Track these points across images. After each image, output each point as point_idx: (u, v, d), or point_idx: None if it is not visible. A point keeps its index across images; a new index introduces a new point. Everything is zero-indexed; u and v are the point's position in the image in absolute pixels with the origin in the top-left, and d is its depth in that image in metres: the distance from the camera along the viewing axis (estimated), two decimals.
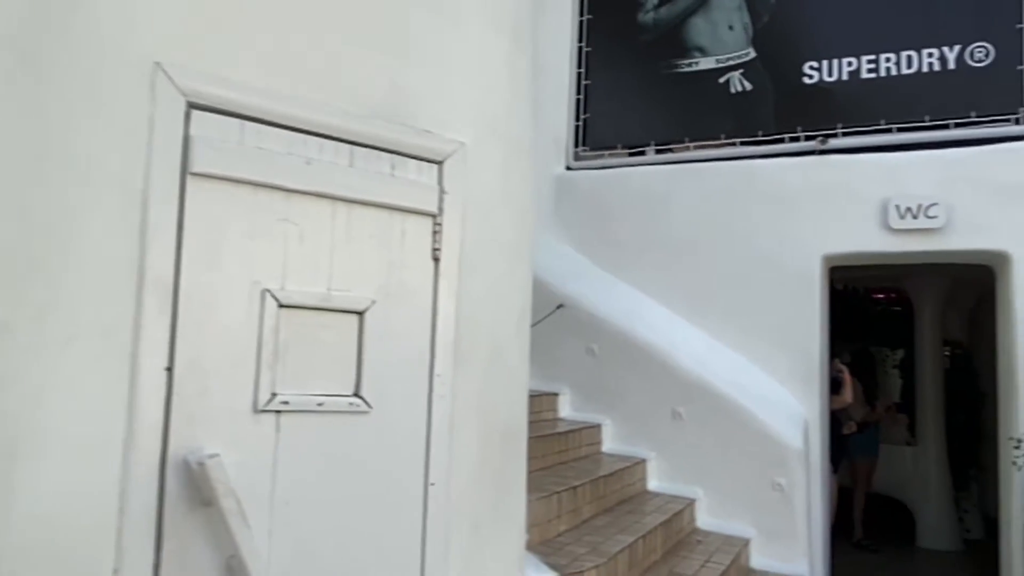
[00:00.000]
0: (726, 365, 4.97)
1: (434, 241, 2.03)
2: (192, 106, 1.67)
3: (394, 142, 1.97)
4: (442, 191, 2.05)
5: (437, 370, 2.01)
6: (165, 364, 1.62)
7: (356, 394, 1.87)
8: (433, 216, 2.04)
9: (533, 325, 5.14)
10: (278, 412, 1.75)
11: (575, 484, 3.68)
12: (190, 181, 1.66)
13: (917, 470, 7.35)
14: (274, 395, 1.74)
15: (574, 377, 5.24)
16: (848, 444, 6.75)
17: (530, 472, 3.96)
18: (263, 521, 1.72)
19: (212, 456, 1.61)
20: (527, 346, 2.57)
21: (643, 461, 4.73)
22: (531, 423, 4.70)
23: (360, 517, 1.86)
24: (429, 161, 2.05)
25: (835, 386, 5.90)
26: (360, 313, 1.88)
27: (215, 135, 1.69)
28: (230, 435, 1.69)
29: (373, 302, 1.90)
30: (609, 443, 4.98)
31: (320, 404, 1.80)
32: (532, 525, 3.23)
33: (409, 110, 2.00)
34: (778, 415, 4.70)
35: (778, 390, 4.89)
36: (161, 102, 1.63)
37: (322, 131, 1.83)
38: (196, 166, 1.65)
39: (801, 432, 4.67)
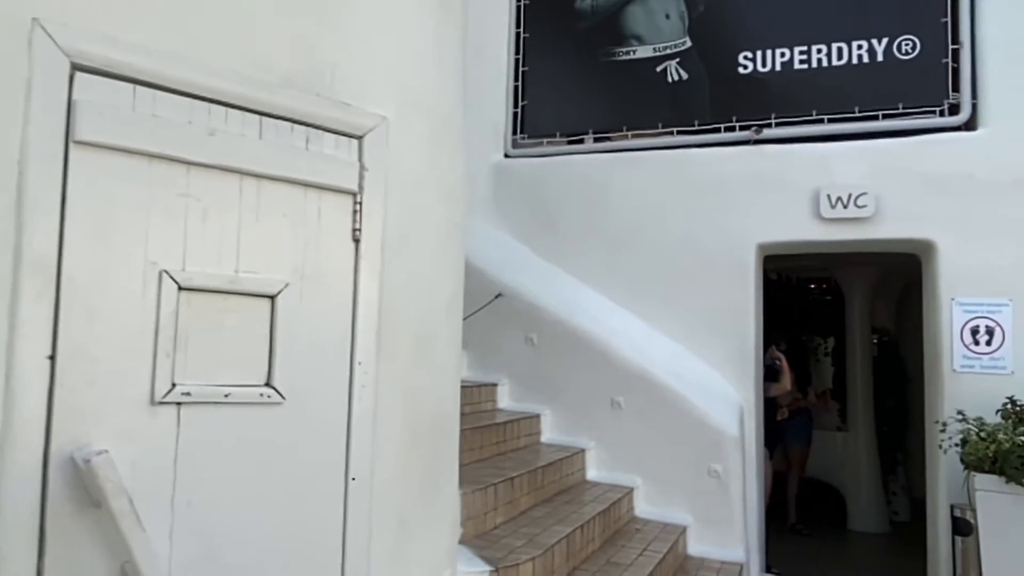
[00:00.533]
0: (664, 353, 4.97)
1: (354, 221, 1.91)
2: (76, 68, 1.51)
3: (309, 114, 1.84)
4: (362, 167, 1.93)
5: (358, 358, 1.89)
6: (47, 352, 1.47)
7: (268, 384, 1.74)
8: (353, 194, 1.92)
9: (471, 315, 5.09)
10: (179, 404, 1.61)
11: (512, 475, 3.60)
12: (75, 150, 1.50)
13: (848, 455, 7.55)
14: (174, 386, 1.60)
15: (513, 367, 5.17)
16: (782, 430, 6.89)
17: (467, 464, 3.88)
18: (163, 523, 1.58)
19: (100, 452, 1.46)
20: (459, 334, 2.47)
21: (582, 451, 4.69)
22: (469, 414, 4.62)
23: (274, 515, 1.74)
24: (348, 136, 1.92)
25: (770, 374, 6.00)
26: (272, 297, 1.75)
27: (103, 100, 1.53)
28: (124, 429, 1.54)
29: (286, 285, 1.77)
30: (548, 433, 4.93)
31: (227, 395, 1.66)
32: (467, 518, 3.14)
33: (326, 80, 1.88)
34: (714, 402, 4.72)
35: (714, 377, 4.92)
36: (40, 63, 1.47)
37: (227, 100, 1.69)
38: (81, 134, 1.50)
39: (737, 418, 4.70)
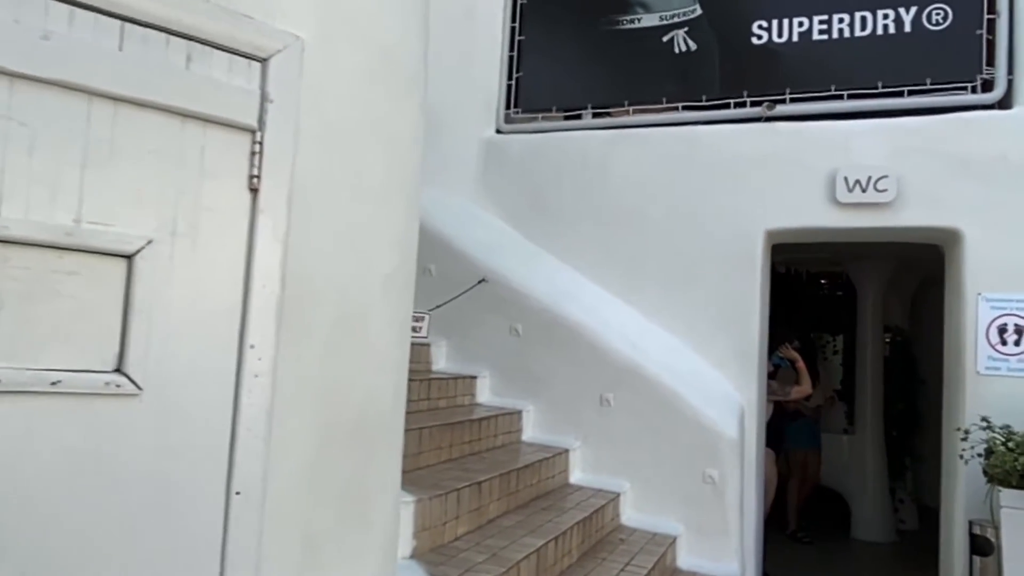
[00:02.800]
0: (660, 348, 4.56)
1: (252, 165, 1.50)
2: None
3: (191, 25, 1.43)
4: (265, 98, 1.52)
5: (250, 340, 1.48)
6: None
7: (118, 370, 1.34)
8: (252, 131, 1.51)
9: (449, 301, 4.68)
10: None
11: (481, 479, 3.21)
12: None
13: (854, 459, 7.14)
14: None
15: (495, 359, 4.77)
16: (784, 433, 6.48)
17: (432, 466, 3.49)
18: None
19: None
20: (403, 315, 2.07)
21: (566, 451, 4.29)
22: (444, 409, 4.22)
23: (121, 539, 1.34)
24: (247, 56, 1.51)
25: (778, 373, 5.58)
26: (128, 257, 1.35)
27: None
28: None
29: (149, 242, 1.36)
30: (531, 431, 4.53)
31: (56, 383, 1.26)
32: (423, 529, 2.75)
33: None
34: (713, 401, 4.31)
35: (714, 375, 4.51)
36: None
37: None
38: None
39: (736, 420, 4.29)
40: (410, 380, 3.93)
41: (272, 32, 1.54)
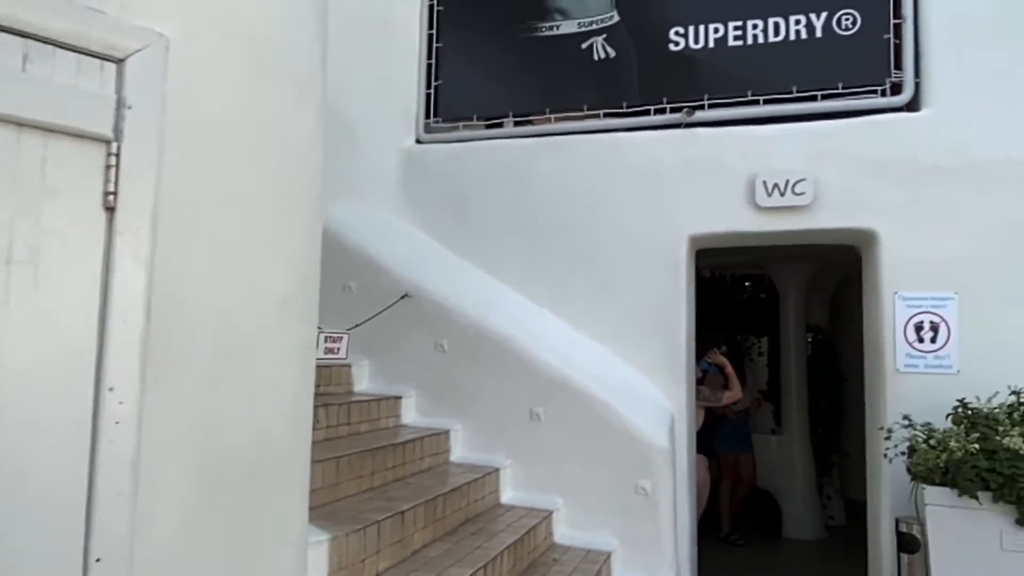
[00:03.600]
0: (589, 358, 4.48)
1: (107, 180, 1.31)
2: None
3: (28, 21, 1.23)
4: (122, 104, 1.33)
5: (109, 382, 1.28)
6: None
7: None
8: (106, 141, 1.31)
9: (369, 319, 4.48)
10: None
11: (404, 508, 3.02)
12: None
13: (783, 459, 7.25)
14: None
15: (421, 377, 4.59)
16: (714, 437, 6.52)
17: (351, 496, 3.28)
18: None
19: None
20: (304, 339, 1.89)
21: (496, 470, 4.14)
22: (365, 433, 4.01)
23: None
24: (99, 57, 1.32)
25: (707, 379, 5.59)
26: None
27: None
28: None
29: None
30: (459, 451, 4.37)
31: None
32: (339, 569, 2.55)
33: None
34: (643, 411, 4.25)
35: (643, 383, 4.45)
36: None
37: None
38: None
39: (667, 428, 4.24)
40: (328, 404, 3.74)
41: (129, 29, 1.35)
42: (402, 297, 4.58)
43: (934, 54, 4.23)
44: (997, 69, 4.10)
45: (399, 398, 4.40)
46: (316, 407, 3.61)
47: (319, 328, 4.00)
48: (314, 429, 3.55)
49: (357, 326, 4.30)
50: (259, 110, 1.65)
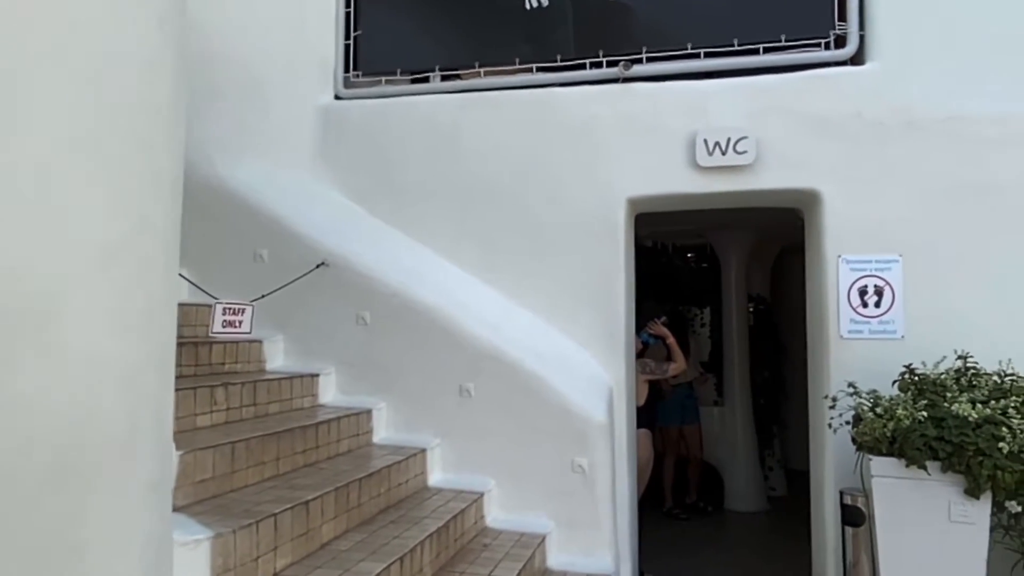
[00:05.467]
0: (522, 329, 4.18)
1: None
2: None
3: None
4: None
5: None
6: None
7: None
8: None
9: (278, 289, 4.07)
10: None
11: (310, 497, 2.68)
12: None
13: (725, 431, 7.16)
14: None
15: (341, 352, 4.22)
16: (656, 410, 6.34)
17: (250, 486, 2.89)
18: None
19: None
20: (149, 300, 1.52)
21: (423, 451, 3.82)
22: (275, 415, 3.60)
23: None
24: None
25: (645, 351, 5.37)
26: None
27: None
28: None
29: None
30: (383, 431, 4.03)
31: None
32: (226, 571, 2.20)
33: None
34: (580, 384, 3.99)
35: (580, 355, 4.18)
36: None
37: None
38: None
39: (605, 403, 3.99)
40: (230, 384, 3.35)
41: None
42: (318, 265, 4.19)
43: (878, 6, 4.03)
44: (943, 22, 3.93)
45: (316, 376, 4.02)
46: (215, 387, 3.24)
47: (215, 299, 3.60)
48: (211, 411, 3.18)
49: (263, 296, 3.89)
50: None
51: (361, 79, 4.91)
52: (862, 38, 4.05)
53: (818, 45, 4.12)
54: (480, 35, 4.77)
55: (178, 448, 2.42)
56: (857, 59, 4.07)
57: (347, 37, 4.93)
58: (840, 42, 4.10)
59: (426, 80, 4.84)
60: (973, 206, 3.83)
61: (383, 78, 4.88)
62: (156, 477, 1.58)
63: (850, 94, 3.99)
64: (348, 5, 4.95)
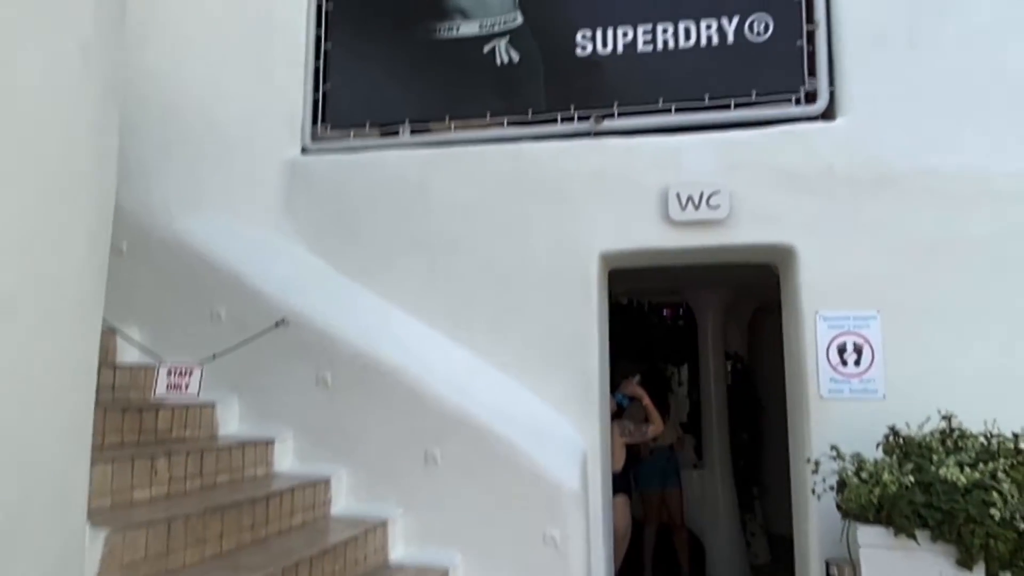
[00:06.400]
0: (491, 390, 3.99)
1: None
2: None
3: None
4: None
5: None
6: None
7: None
8: None
9: (231, 349, 3.84)
10: None
11: None
12: None
13: (706, 495, 6.91)
14: None
15: (300, 416, 3.98)
16: (635, 475, 6.12)
17: (188, 567, 2.64)
18: None
19: None
20: (31, 365, 1.33)
21: (384, 523, 3.57)
22: (223, 485, 3.32)
23: None
24: None
25: (621, 412, 5.17)
26: None
27: None
28: None
29: None
30: (343, 502, 3.77)
31: None
32: None
33: None
34: (552, 449, 3.78)
35: (552, 417, 3.99)
36: None
37: None
38: None
39: (579, 468, 3.78)
40: (173, 453, 3.10)
41: None
42: (277, 323, 3.99)
43: (848, 62, 4.04)
44: (911, 78, 3.93)
45: (271, 442, 3.77)
46: (156, 457, 2.99)
47: (156, 358, 3.39)
48: (150, 484, 2.93)
49: (215, 357, 3.67)
50: None
51: (330, 133, 4.81)
52: (832, 94, 4.05)
53: (789, 100, 4.11)
54: (451, 89, 4.71)
55: (103, 526, 2.18)
56: (828, 114, 4.05)
57: (316, 90, 4.84)
58: (811, 98, 4.09)
59: (396, 134, 4.76)
60: (949, 261, 3.77)
61: (352, 132, 4.79)
62: (57, 560, 1.37)
63: (822, 149, 3.96)
64: (318, 58, 4.88)
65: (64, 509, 1.46)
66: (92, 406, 1.66)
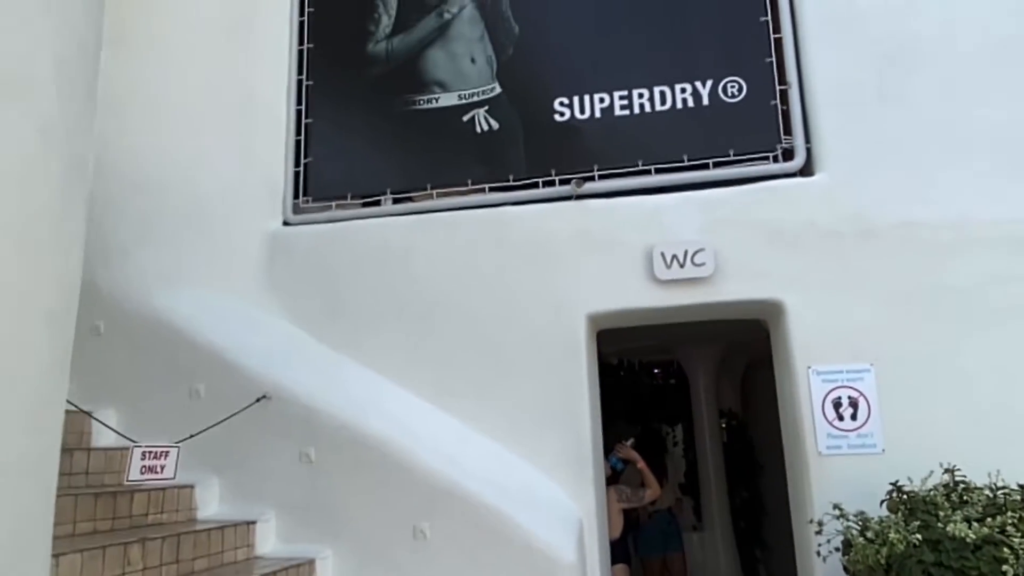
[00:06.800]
0: (481, 458, 3.87)
1: None
2: None
3: None
4: None
5: None
6: None
7: None
8: None
9: (206, 429, 3.68)
10: None
11: None
12: None
13: (707, 558, 6.70)
14: None
15: (283, 495, 3.83)
16: (635, 540, 5.93)
17: None
18: None
19: None
20: None
21: None
22: (201, 572, 3.19)
23: None
24: None
25: (612, 478, 5.03)
26: None
27: None
28: None
29: None
30: None
31: None
32: None
33: None
34: (546, 518, 3.64)
35: (545, 484, 3.87)
36: None
37: None
38: None
39: (575, 537, 3.64)
40: (148, 539, 2.94)
41: None
42: (258, 399, 3.88)
43: (822, 119, 4.10)
44: (885, 131, 4.00)
45: (252, 523, 3.61)
46: (130, 543, 2.85)
47: (131, 441, 3.26)
48: (123, 573, 2.77)
49: (192, 436, 3.55)
50: None
51: (311, 204, 4.81)
52: (808, 150, 4.10)
53: (767, 158, 4.16)
54: (432, 158, 4.74)
55: None
56: (806, 170, 4.10)
57: (296, 164, 4.86)
58: (788, 155, 4.14)
59: (377, 203, 4.77)
60: (936, 311, 3.76)
61: (334, 203, 4.79)
62: None
63: (803, 204, 3.98)
64: (299, 133, 4.92)
65: None
66: (52, 498, 1.55)
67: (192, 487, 3.66)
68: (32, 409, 1.41)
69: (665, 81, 4.41)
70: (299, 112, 4.96)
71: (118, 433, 3.44)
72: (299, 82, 5.01)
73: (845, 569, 3.24)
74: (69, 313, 1.57)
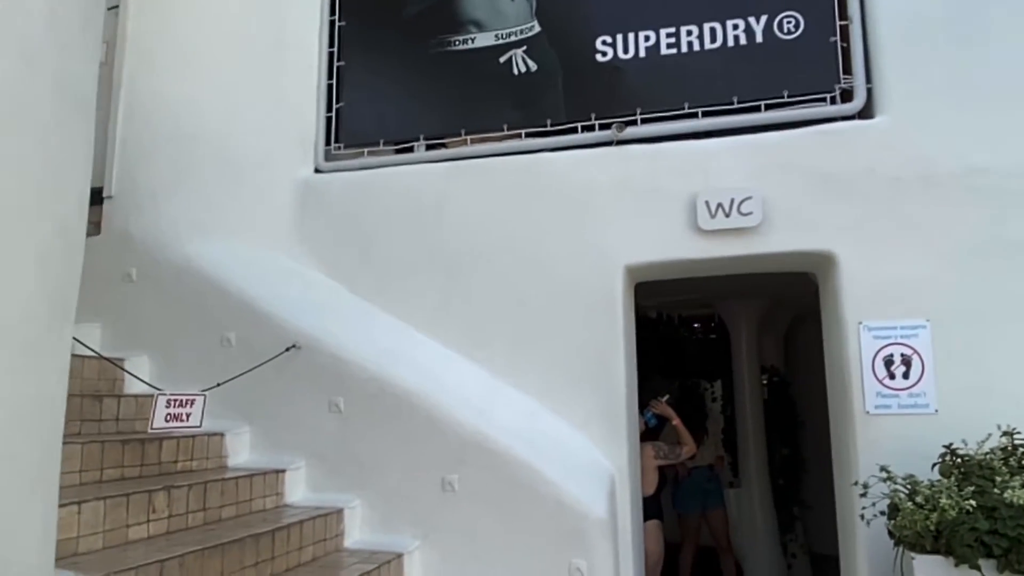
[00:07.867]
0: (512, 412, 3.78)
1: None
2: None
3: None
4: None
5: None
6: None
7: None
8: None
9: (237, 376, 3.66)
10: None
11: None
12: None
13: (743, 515, 6.60)
14: None
15: (312, 444, 3.81)
16: (674, 495, 5.85)
17: None
18: None
19: None
20: None
21: (399, 556, 3.37)
22: (228, 520, 3.15)
23: None
24: None
25: (649, 433, 4.91)
26: None
27: None
28: None
29: None
30: (357, 534, 3.58)
31: None
32: None
33: None
34: (577, 473, 3.56)
35: (577, 439, 3.77)
36: None
37: None
38: None
39: (606, 493, 3.55)
40: (174, 486, 2.94)
41: None
42: (288, 348, 3.84)
43: (885, 57, 3.78)
44: (954, 71, 3.67)
45: (282, 471, 3.61)
46: (155, 491, 2.84)
47: (156, 389, 3.25)
48: (147, 520, 2.77)
49: (219, 385, 3.53)
50: None
51: (343, 151, 4.69)
52: (870, 91, 3.80)
53: (823, 100, 3.88)
54: (466, 102, 4.56)
55: (87, 572, 2.02)
56: (866, 113, 3.80)
57: (328, 110, 4.73)
58: (847, 96, 3.85)
59: (410, 150, 4.62)
60: (1002, 264, 3.49)
61: (366, 149, 4.66)
62: None
63: (861, 149, 3.71)
64: (331, 77, 4.77)
65: (24, 555, 1.29)
66: (59, 440, 1.49)
67: (223, 435, 3.66)
68: (35, 345, 1.34)
69: (716, 16, 4.13)
70: (331, 55, 4.81)
71: (144, 382, 3.43)
72: (331, 23, 4.85)
73: (890, 534, 3.09)
74: (75, 235, 1.48)
